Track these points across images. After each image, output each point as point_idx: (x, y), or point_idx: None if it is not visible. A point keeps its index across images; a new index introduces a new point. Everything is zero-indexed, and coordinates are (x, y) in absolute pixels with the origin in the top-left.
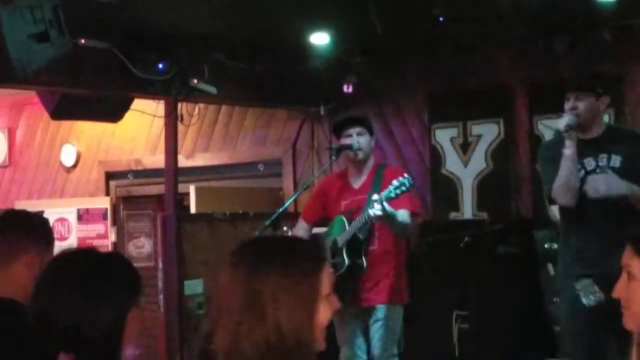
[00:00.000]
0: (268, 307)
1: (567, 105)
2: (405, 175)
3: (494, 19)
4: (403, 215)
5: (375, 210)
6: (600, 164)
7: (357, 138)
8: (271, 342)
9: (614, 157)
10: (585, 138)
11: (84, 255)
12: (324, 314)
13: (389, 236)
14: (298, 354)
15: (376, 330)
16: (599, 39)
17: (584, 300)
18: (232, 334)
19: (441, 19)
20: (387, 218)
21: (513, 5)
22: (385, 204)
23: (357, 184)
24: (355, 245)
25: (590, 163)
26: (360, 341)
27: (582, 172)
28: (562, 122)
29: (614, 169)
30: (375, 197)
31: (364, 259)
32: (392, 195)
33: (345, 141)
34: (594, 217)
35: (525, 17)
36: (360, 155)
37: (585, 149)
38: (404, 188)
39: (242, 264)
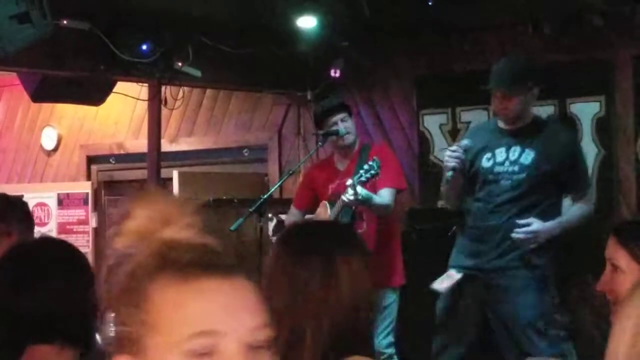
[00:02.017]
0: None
1: (494, 104)
2: (375, 158)
3: (484, 1)
4: (383, 195)
5: (348, 195)
6: (510, 157)
7: (342, 124)
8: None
9: (527, 151)
10: (507, 128)
11: (36, 246)
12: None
13: (376, 217)
14: None
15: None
16: (589, 23)
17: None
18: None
19: (430, 2)
20: (363, 202)
21: None
22: (359, 188)
23: (342, 166)
24: None
25: (501, 154)
26: None
27: (491, 161)
28: (448, 167)
29: (522, 166)
30: (348, 182)
31: None
32: (363, 179)
33: (338, 127)
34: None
35: (515, 1)
36: (349, 139)
37: (503, 137)
38: (372, 172)
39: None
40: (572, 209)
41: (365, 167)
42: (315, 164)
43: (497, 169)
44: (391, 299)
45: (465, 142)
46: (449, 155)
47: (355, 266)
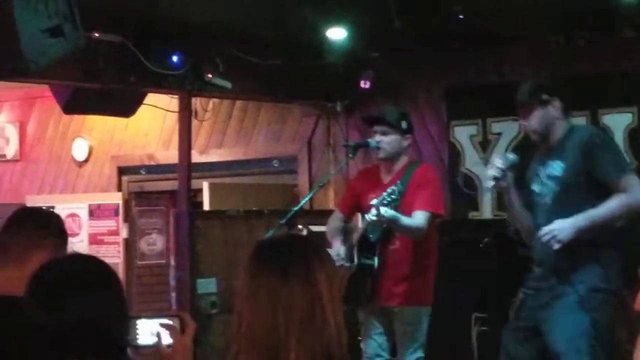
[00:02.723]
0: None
1: (520, 122)
2: (398, 182)
3: (514, 14)
4: (416, 217)
5: (371, 215)
6: (547, 172)
7: (379, 137)
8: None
9: (558, 163)
10: (545, 145)
11: (73, 261)
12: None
13: (409, 239)
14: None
15: (399, 335)
16: (620, 35)
17: None
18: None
19: (461, 17)
20: (387, 223)
21: (533, 0)
22: (383, 209)
23: (387, 179)
24: (365, 246)
25: (541, 170)
26: (382, 339)
27: (537, 184)
28: (488, 176)
29: (553, 177)
30: (373, 201)
31: (375, 259)
32: (385, 202)
33: (374, 139)
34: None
35: (545, 13)
36: (381, 154)
37: (542, 156)
38: (394, 196)
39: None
40: (606, 200)
41: (389, 190)
42: (361, 171)
43: (541, 189)
44: (424, 317)
45: (512, 156)
46: (492, 165)
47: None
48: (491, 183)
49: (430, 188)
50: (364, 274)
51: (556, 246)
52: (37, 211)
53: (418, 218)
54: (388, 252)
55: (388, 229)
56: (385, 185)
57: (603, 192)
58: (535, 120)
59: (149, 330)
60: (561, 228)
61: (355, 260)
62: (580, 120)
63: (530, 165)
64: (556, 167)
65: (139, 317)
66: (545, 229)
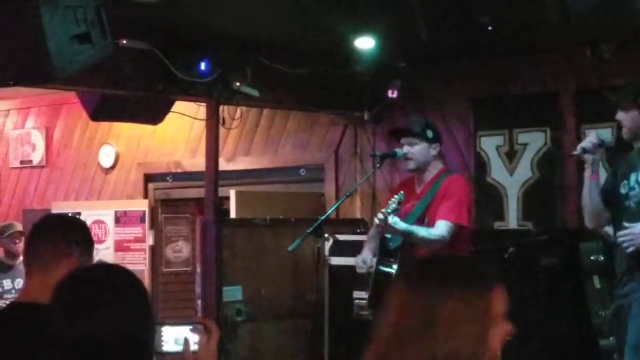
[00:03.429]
0: (443, 332)
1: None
2: (401, 192)
3: (542, 26)
4: (438, 227)
5: (376, 222)
6: (638, 177)
7: (407, 148)
8: None
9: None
10: (633, 151)
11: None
12: (496, 340)
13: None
14: None
15: None
16: None
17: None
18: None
19: (490, 28)
20: (397, 232)
21: (561, 12)
22: (392, 218)
23: (419, 188)
24: (385, 253)
25: (632, 174)
26: None
27: (626, 187)
28: (582, 143)
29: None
30: (383, 210)
31: (394, 267)
32: (389, 210)
33: (402, 150)
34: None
35: (572, 24)
36: (411, 165)
37: (630, 163)
38: (393, 206)
39: (421, 285)
40: None
41: (392, 199)
42: (401, 181)
43: (628, 192)
44: None
45: (607, 138)
46: (587, 139)
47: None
48: (579, 151)
49: (454, 198)
50: (384, 281)
51: (630, 249)
52: (62, 218)
53: (438, 227)
54: (414, 260)
55: (404, 238)
56: (417, 194)
57: None
58: (627, 120)
59: (173, 337)
60: (635, 231)
61: (375, 268)
62: (606, 132)
63: (623, 166)
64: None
65: (163, 324)
66: (625, 232)
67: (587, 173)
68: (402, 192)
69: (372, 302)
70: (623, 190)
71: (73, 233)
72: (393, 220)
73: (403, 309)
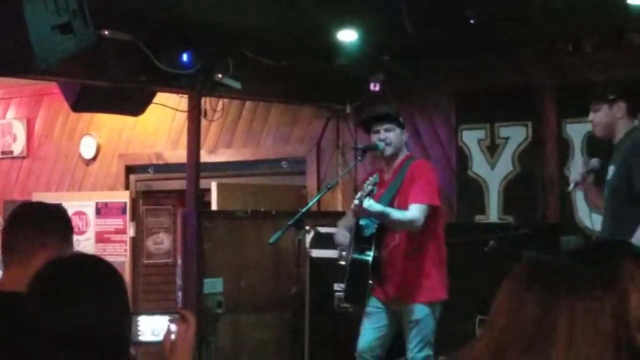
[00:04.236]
0: (560, 341)
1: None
2: (376, 174)
3: (525, 20)
4: (411, 210)
5: (353, 207)
6: (609, 175)
7: (384, 134)
8: None
9: (610, 168)
10: (613, 142)
11: (75, 262)
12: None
13: (406, 232)
14: None
15: (408, 332)
16: (628, 42)
17: None
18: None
19: (472, 21)
20: (376, 217)
21: (543, 7)
22: (367, 201)
23: (387, 175)
24: (360, 241)
25: (611, 169)
26: (377, 335)
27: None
28: (572, 177)
29: (608, 182)
30: (358, 194)
31: (370, 255)
32: (364, 193)
33: (373, 137)
34: None
35: (555, 19)
36: (389, 150)
37: (612, 154)
38: (370, 187)
39: (536, 286)
40: None
41: (367, 182)
42: (369, 173)
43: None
44: (422, 314)
45: (594, 162)
46: (575, 169)
47: (581, 312)
48: (572, 186)
49: (423, 181)
50: (361, 270)
51: None
52: (39, 208)
53: (412, 210)
54: (389, 249)
55: (382, 224)
56: (386, 182)
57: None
58: (598, 117)
59: (150, 327)
60: None
61: (350, 256)
62: (587, 126)
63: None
64: (610, 170)
65: (140, 314)
66: None
67: (590, 197)
68: (376, 174)
69: (348, 294)
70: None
71: (49, 222)
72: (368, 203)
73: (515, 312)
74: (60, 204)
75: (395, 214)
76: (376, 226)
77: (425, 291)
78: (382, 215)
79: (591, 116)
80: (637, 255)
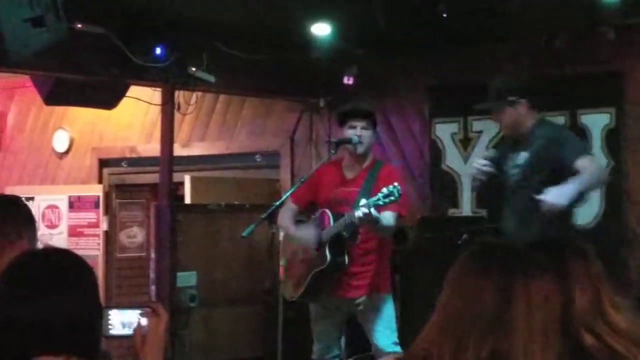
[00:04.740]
0: (519, 328)
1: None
2: (395, 184)
3: (498, 15)
4: (388, 218)
5: (359, 214)
6: (517, 162)
7: (360, 131)
8: (499, 358)
9: (522, 154)
10: (513, 136)
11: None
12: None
13: (373, 235)
14: None
15: (370, 322)
16: (601, 36)
17: None
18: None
19: (445, 15)
20: (372, 223)
21: (516, 1)
22: (372, 210)
23: (351, 174)
24: (339, 243)
25: (510, 158)
26: (335, 337)
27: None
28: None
29: (518, 166)
30: (363, 202)
31: (346, 256)
32: (380, 203)
33: (348, 132)
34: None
35: (528, 13)
36: (360, 149)
37: (510, 146)
38: (392, 198)
39: (492, 268)
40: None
41: (385, 191)
42: (324, 164)
43: (512, 171)
44: (389, 302)
45: (490, 153)
46: (478, 168)
47: (536, 296)
48: (478, 182)
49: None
50: (333, 271)
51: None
52: (5, 204)
53: (388, 218)
54: (354, 247)
55: (356, 228)
56: (349, 181)
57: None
58: (504, 118)
59: (120, 321)
60: (549, 198)
61: (328, 258)
62: (559, 119)
63: (504, 154)
64: (522, 157)
65: (111, 308)
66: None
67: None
68: (392, 187)
69: (307, 291)
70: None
71: (19, 217)
72: (374, 212)
73: (473, 297)
74: (16, 196)
75: (384, 222)
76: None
77: (381, 283)
78: (375, 223)
79: (496, 119)
80: (581, 251)
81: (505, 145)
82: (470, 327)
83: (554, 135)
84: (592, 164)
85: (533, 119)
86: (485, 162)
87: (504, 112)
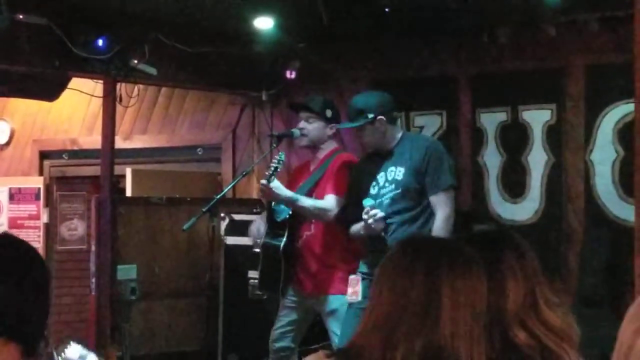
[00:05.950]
0: (445, 324)
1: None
2: (280, 152)
3: (440, 9)
4: (327, 200)
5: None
6: (389, 177)
7: (303, 124)
8: (430, 352)
9: (398, 169)
10: (381, 152)
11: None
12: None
13: (322, 223)
14: None
15: (331, 323)
16: (543, 32)
17: None
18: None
19: (387, 10)
20: (285, 202)
21: None
22: (274, 182)
23: (312, 166)
24: (273, 226)
25: (382, 177)
26: (290, 327)
27: (377, 188)
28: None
29: (396, 182)
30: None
31: (282, 240)
32: (270, 171)
33: (298, 125)
34: None
35: (470, 9)
36: (304, 142)
37: (381, 163)
38: (275, 164)
39: (418, 264)
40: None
41: (274, 160)
42: (297, 167)
43: (382, 191)
44: (337, 305)
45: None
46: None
47: (462, 290)
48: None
49: (342, 174)
50: (273, 256)
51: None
52: None
53: (327, 200)
54: (303, 238)
55: (296, 213)
56: (310, 171)
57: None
58: (365, 136)
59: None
60: None
61: (263, 241)
62: (501, 115)
63: (366, 170)
64: (397, 172)
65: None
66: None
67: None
68: (282, 152)
69: (262, 281)
70: (373, 191)
71: None
72: (276, 184)
73: (401, 293)
74: None
75: (307, 201)
76: (290, 212)
77: (339, 282)
78: (290, 201)
79: (358, 136)
80: (516, 246)
81: (368, 167)
82: (399, 322)
83: (429, 151)
84: (442, 212)
85: (396, 132)
86: (377, 211)
87: (364, 130)
